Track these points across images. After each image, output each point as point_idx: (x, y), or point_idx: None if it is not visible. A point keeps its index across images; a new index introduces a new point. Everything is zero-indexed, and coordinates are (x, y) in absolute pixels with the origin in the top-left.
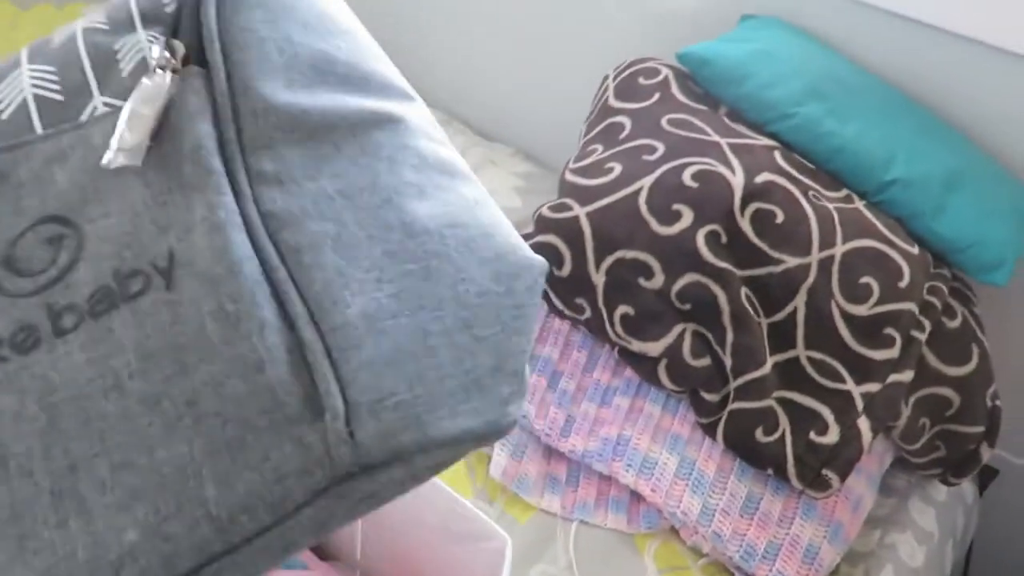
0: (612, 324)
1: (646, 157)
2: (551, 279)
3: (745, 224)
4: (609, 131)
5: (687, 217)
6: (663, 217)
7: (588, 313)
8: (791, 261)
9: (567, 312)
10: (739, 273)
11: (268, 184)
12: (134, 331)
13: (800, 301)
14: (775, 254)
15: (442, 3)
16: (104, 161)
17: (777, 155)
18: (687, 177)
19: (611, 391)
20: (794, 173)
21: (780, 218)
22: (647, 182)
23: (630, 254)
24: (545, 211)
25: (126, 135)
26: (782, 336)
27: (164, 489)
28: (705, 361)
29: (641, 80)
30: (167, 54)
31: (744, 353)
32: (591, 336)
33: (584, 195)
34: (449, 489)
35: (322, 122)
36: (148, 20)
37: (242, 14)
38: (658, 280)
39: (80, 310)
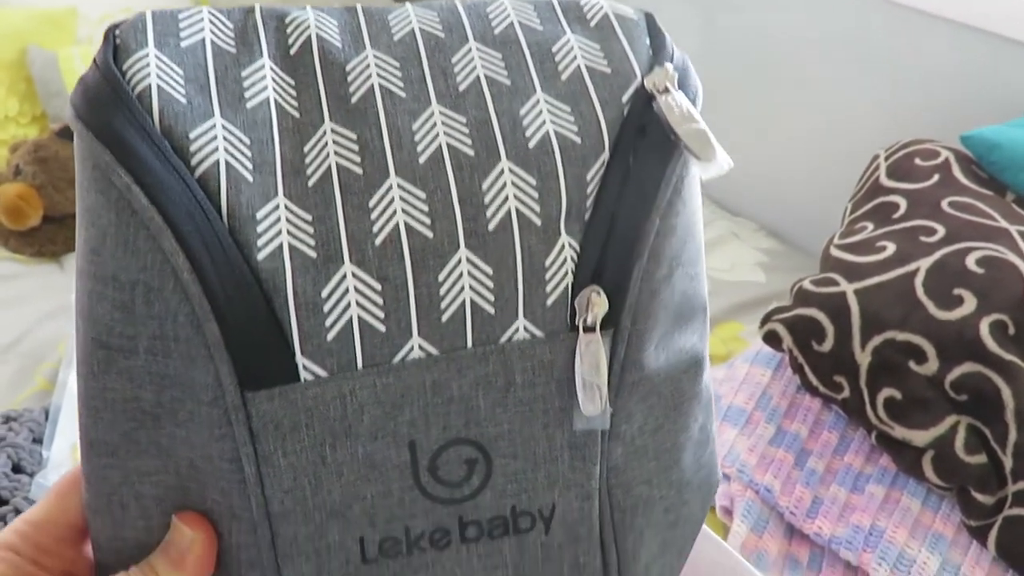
0: (874, 407)
1: (924, 238)
2: (808, 353)
3: None
4: (881, 210)
5: (970, 303)
6: (942, 301)
7: (847, 393)
8: None
9: (822, 389)
10: None
11: (616, 441)
12: (516, 556)
13: None
14: None
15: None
16: (576, 427)
17: None
18: (971, 262)
19: (864, 477)
20: None
21: None
22: (925, 263)
23: (901, 336)
24: (807, 284)
25: (589, 405)
26: None
27: None
28: (980, 458)
29: (918, 161)
30: (596, 312)
31: None
32: (844, 417)
33: (852, 271)
34: (730, 548)
35: (662, 378)
36: (570, 216)
37: (655, 272)
38: (931, 366)
39: (482, 528)
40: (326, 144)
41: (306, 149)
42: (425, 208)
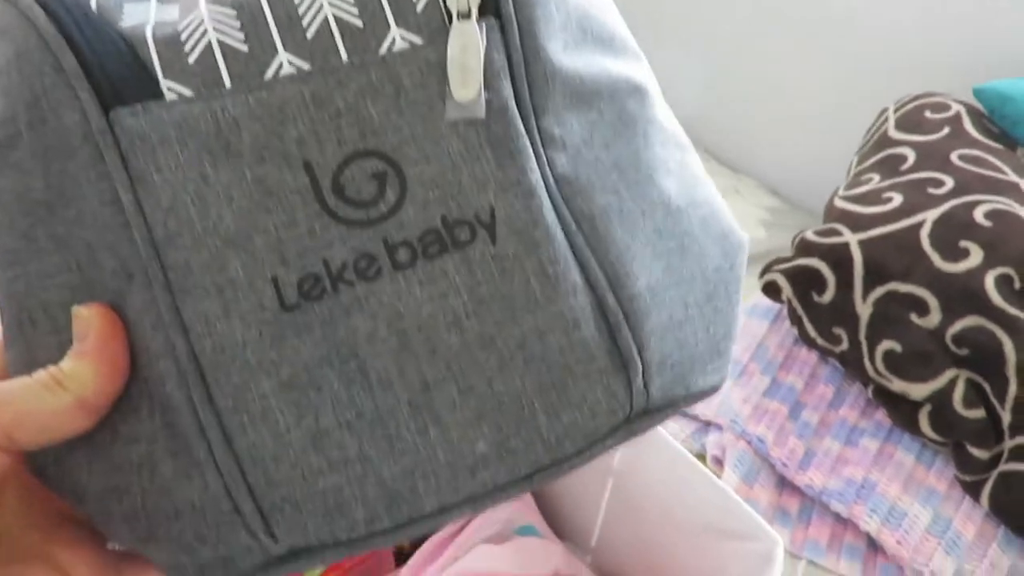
0: (872, 359)
1: (932, 190)
2: (807, 305)
3: None
4: (888, 162)
5: (976, 256)
6: (948, 253)
7: (845, 345)
8: None
9: (820, 341)
10: None
11: (556, 148)
12: (467, 277)
13: None
14: None
15: (696, 27)
16: (449, 116)
17: None
18: (979, 215)
19: (858, 431)
20: None
21: None
22: (932, 215)
23: (904, 287)
24: (810, 235)
25: (461, 89)
26: None
27: (504, 414)
28: (978, 413)
29: (928, 114)
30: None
31: None
32: (840, 371)
33: (857, 222)
34: (723, 485)
35: (591, 88)
36: None
37: None
38: (934, 319)
39: (414, 248)
40: None
41: None
42: None
